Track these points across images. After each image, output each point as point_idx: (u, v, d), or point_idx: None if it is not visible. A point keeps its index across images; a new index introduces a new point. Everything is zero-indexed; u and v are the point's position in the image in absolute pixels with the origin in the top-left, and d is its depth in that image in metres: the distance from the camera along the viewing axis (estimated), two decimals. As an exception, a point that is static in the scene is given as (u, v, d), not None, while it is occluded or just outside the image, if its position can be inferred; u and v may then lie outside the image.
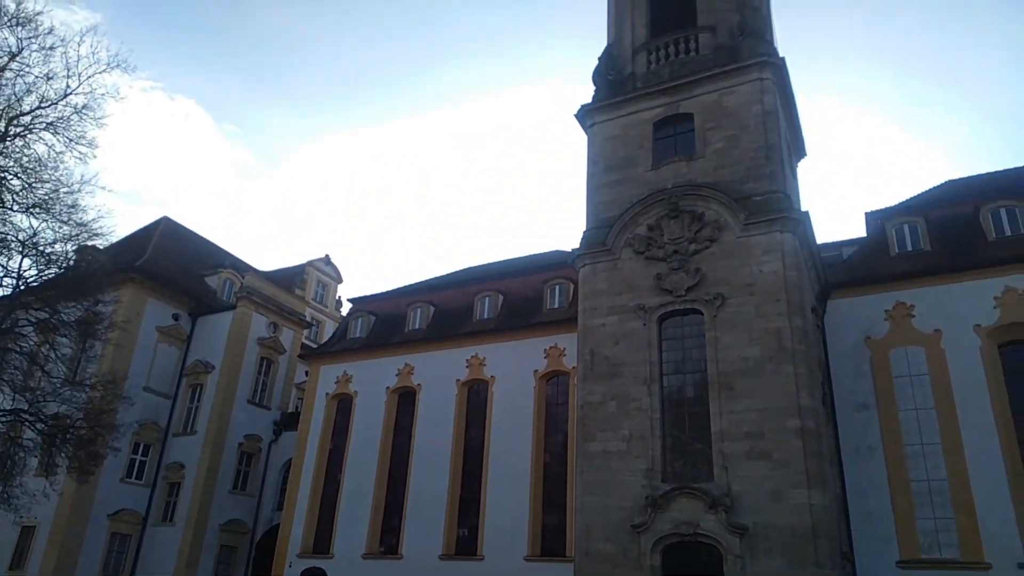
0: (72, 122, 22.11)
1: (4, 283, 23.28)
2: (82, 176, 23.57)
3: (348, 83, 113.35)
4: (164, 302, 36.89)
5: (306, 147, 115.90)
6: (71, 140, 22.21)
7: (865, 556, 21.98)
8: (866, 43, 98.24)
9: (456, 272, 39.07)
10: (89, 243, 24.90)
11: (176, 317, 37.50)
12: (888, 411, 23.46)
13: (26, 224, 22.49)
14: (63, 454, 24.97)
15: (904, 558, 21.61)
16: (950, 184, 30.21)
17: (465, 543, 28.23)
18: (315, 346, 40.76)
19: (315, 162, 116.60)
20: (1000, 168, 31.59)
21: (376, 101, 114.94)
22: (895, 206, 28.39)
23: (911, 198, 29.25)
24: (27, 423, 24.42)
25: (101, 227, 23.43)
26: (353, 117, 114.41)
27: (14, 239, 22.28)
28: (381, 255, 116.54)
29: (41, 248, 22.56)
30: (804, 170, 28.43)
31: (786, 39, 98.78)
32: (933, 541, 21.64)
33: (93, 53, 22.24)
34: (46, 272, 23.41)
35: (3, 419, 24.22)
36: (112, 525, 33.17)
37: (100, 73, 22.13)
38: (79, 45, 22.30)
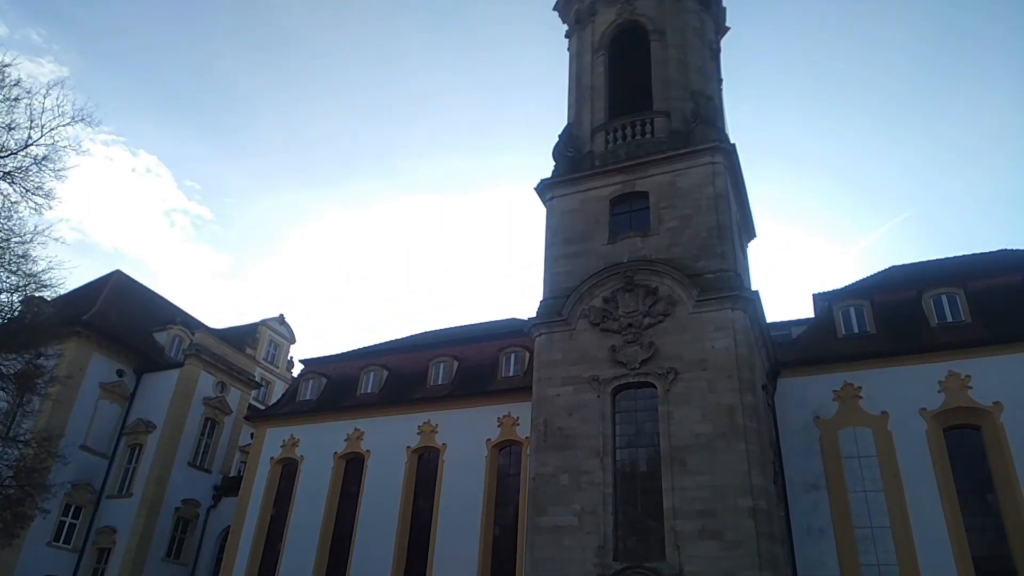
0: (31, 172, 21.86)
1: (-59, 332, 22.45)
2: (35, 226, 23.05)
3: (306, 148, 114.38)
4: (109, 357, 35.82)
5: (265, 207, 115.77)
6: (28, 190, 21.90)
7: (816, 641, 21.71)
8: (814, 130, 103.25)
9: (411, 336, 38.87)
10: (37, 294, 24.23)
11: (120, 373, 36.36)
12: (838, 492, 23.59)
13: (-29, 273, 21.84)
14: (-13, 514, 23.64)
15: (855, 643, 21.39)
16: (893, 270, 31.39)
17: (409, 620, 27.16)
18: (263, 407, 39.74)
19: (273, 222, 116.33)
20: (940, 256, 33.00)
21: (333, 166, 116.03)
22: (842, 288, 29.32)
23: (857, 281, 30.27)
24: (-50, 480, 23.16)
25: (51, 278, 22.90)
26: (311, 181, 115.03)
27: (-44, 287, 21.61)
28: (336, 317, 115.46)
29: (-16, 297, 21.90)
30: (754, 250, 29.33)
31: (736, 121, 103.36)
32: (884, 627, 21.50)
33: (58, 106, 22.17)
34: (-13, 322, 22.67)
35: (-76, 475, 22.93)
36: (32, 594, 31.17)
37: (64, 126, 22.01)
38: (44, 97, 22.14)
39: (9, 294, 22.84)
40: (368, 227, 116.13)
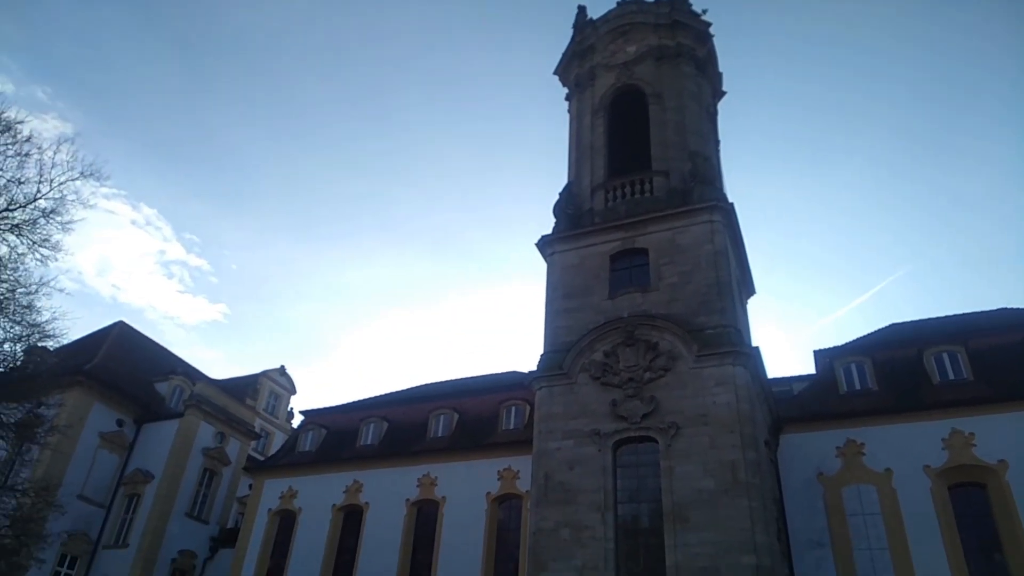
0: (38, 225, 22.26)
1: (-55, 380, 22.57)
2: (41, 277, 23.38)
3: (303, 202, 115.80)
4: (110, 407, 35.80)
5: (262, 260, 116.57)
6: (35, 242, 22.27)
7: None
8: (811, 190, 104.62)
9: (412, 388, 38.84)
10: (40, 344, 24.41)
11: (120, 423, 36.27)
12: (843, 550, 23.33)
13: (-24, 322, 22.08)
14: (-19, 565, 23.40)
15: None
16: (894, 327, 31.55)
17: None
18: (262, 458, 39.48)
19: (270, 275, 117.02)
20: (940, 314, 33.22)
21: (331, 220, 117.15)
22: (843, 346, 29.45)
23: (858, 338, 30.42)
24: (-54, 530, 22.98)
25: (54, 328, 23.15)
26: (308, 235, 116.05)
27: (-40, 337, 21.82)
28: (336, 369, 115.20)
29: (-12, 347, 22.08)
30: (753, 308, 29.57)
31: (734, 181, 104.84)
32: None
33: (68, 161, 22.68)
34: (-10, 371, 22.81)
35: (-80, 524, 22.78)
36: (22, 649, 30.49)
37: (72, 180, 22.52)
38: (55, 153, 22.68)
39: (12, 344, 23.02)
40: (366, 281, 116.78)
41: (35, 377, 25.13)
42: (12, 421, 23.92)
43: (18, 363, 24.39)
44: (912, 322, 31.87)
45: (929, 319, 31.60)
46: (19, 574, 25.06)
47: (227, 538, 35.78)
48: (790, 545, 23.76)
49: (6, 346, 22.91)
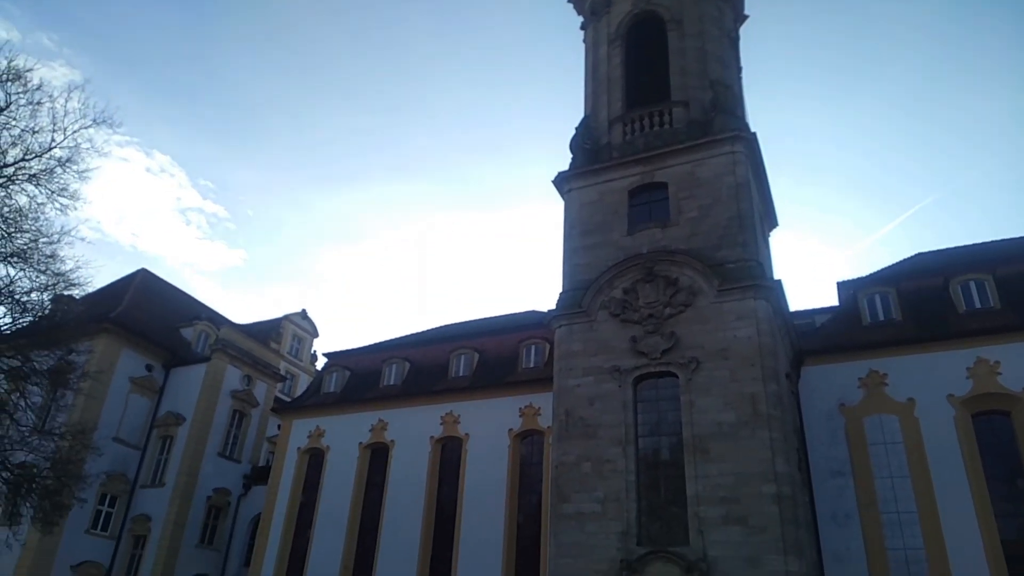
0: (55, 174, 22.30)
1: (-23, 330, 23.05)
2: (62, 227, 23.72)
3: (317, 145, 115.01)
4: (138, 353, 36.55)
5: (278, 204, 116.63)
6: (53, 192, 22.37)
7: (842, 626, 21.74)
8: (837, 116, 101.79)
9: (432, 330, 39.17)
10: (65, 293, 24.78)
11: (149, 368, 37.09)
12: (864, 479, 23.54)
13: (3, 272, 22.44)
14: (28, 504, 24.39)
15: (880, 629, 21.40)
16: (920, 257, 31.00)
17: (436, 605, 27.60)
18: (288, 400, 40.33)
19: (287, 219, 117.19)
20: (967, 242, 32.54)
21: (345, 162, 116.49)
22: (867, 276, 29.04)
23: (882, 269, 29.95)
24: (-8, 472, 23.86)
25: (78, 277, 23.39)
26: (322, 177, 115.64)
27: (-9, 287, 22.17)
28: (357, 311, 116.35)
29: (17, 297, 22.46)
30: (776, 240, 29.12)
31: (758, 111, 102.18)
32: (911, 610, 21.49)
33: (80, 108, 22.56)
34: (20, 320, 23.24)
35: (-33, 467, 23.65)
36: (74, 578, 32.10)
37: (86, 128, 22.43)
38: (66, 101, 22.55)
39: (40, 293, 23.35)
40: (384, 223, 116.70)
41: (63, 325, 25.62)
42: (45, 368, 24.46)
43: (46, 312, 24.84)
44: (939, 251, 31.26)
45: (956, 247, 30.97)
46: (63, 513, 26.07)
47: (259, 476, 36.92)
48: (810, 475, 24.00)
49: (34, 295, 23.26)
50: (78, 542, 32.46)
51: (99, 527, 33.76)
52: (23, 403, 24.59)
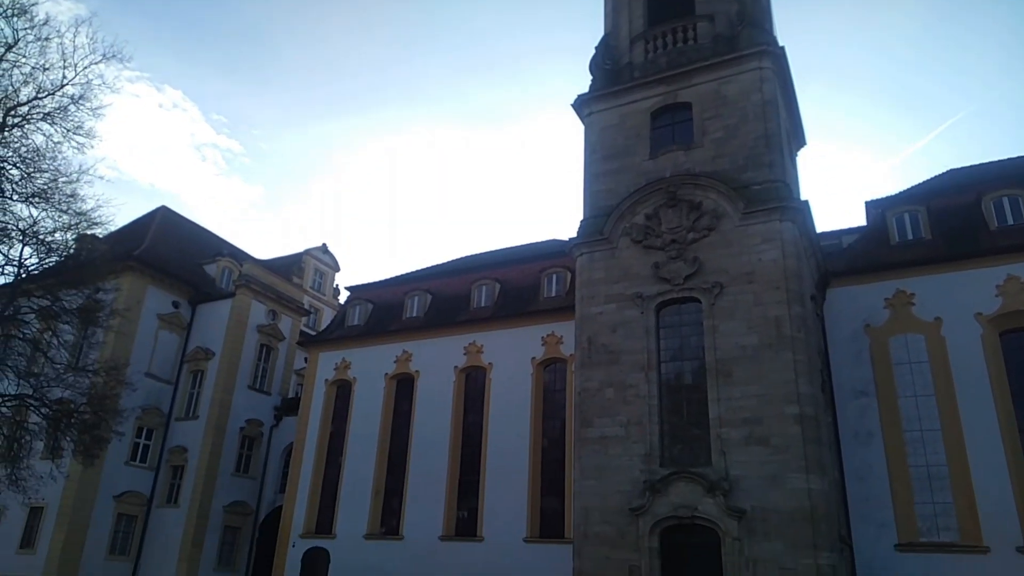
0: (69, 112, 22.25)
1: (5, 271, 23.46)
2: (80, 165, 23.68)
3: (332, 74, 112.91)
4: (163, 290, 37.04)
5: (293, 138, 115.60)
6: (69, 130, 22.35)
7: (863, 540, 22.18)
8: (865, 32, 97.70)
9: (453, 261, 39.16)
10: (88, 232, 24.99)
11: (176, 305, 37.66)
12: (887, 398, 23.60)
13: (26, 213, 22.68)
14: (68, 438, 25.25)
15: (902, 541, 21.81)
16: (952, 173, 30.14)
17: (465, 525, 28.56)
18: (313, 333, 40.91)
19: (302, 153, 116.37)
20: (1002, 157, 31.55)
21: (360, 95, 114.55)
22: (896, 195, 28.36)
23: (912, 187, 29.22)
24: (32, 408, 24.67)
25: (100, 216, 23.56)
26: (338, 111, 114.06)
27: (14, 228, 22.45)
28: (378, 244, 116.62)
29: (41, 237, 22.71)
30: (804, 159, 28.38)
31: (785, 25, 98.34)
32: (932, 525, 21.85)
33: (89, 43, 22.26)
34: (46, 260, 23.57)
35: (8, 404, 24.44)
36: (118, 506, 33.60)
37: (95, 64, 22.24)
38: (74, 36, 22.27)
39: (63, 233, 23.57)
40: (401, 154, 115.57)
41: (88, 264, 25.93)
42: (74, 307, 24.94)
43: (71, 251, 25.15)
44: (972, 167, 30.36)
45: (990, 163, 30.03)
46: (102, 446, 27.02)
47: (289, 407, 37.85)
48: (834, 395, 24.07)
49: (57, 235, 23.48)
50: (119, 473, 33.76)
51: (138, 459, 35.00)
52: (56, 341, 25.19)
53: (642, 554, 19.87)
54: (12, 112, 21.64)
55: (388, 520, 30.37)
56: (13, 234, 22.30)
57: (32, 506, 30.79)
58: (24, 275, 23.57)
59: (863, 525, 22.39)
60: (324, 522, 31.68)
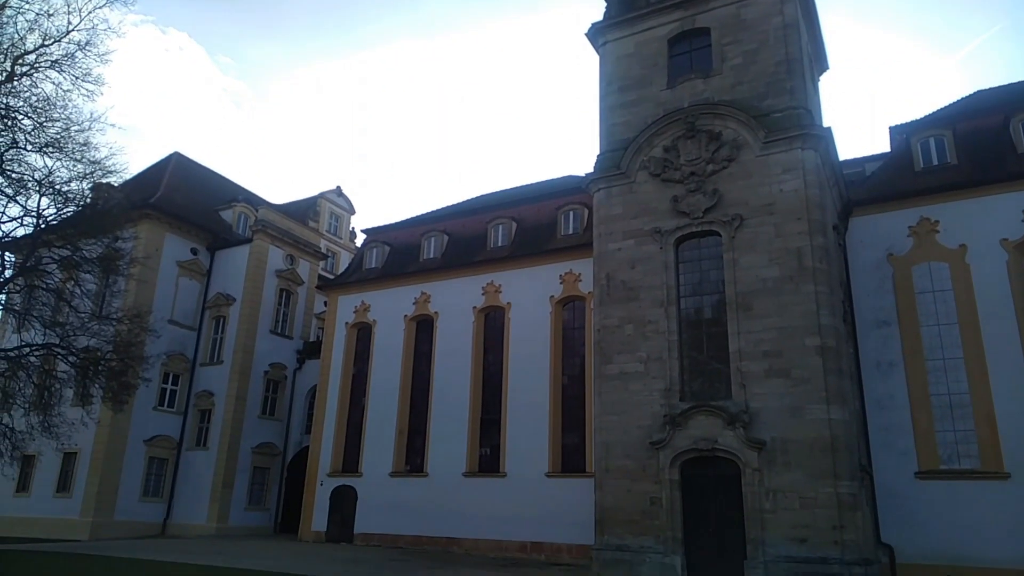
0: (77, 59, 22.19)
1: (25, 222, 23.68)
2: (91, 114, 23.75)
3: (338, 8, 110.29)
4: (181, 237, 37.22)
5: (302, 75, 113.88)
6: (77, 78, 22.34)
7: (883, 468, 22.35)
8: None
9: (469, 200, 38.88)
10: (103, 180, 25.07)
11: (194, 251, 37.89)
12: (910, 327, 23.41)
13: (41, 164, 22.81)
14: (97, 385, 25.86)
15: (923, 469, 21.95)
16: (979, 95, 29.16)
17: (488, 461, 29.12)
18: (332, 277, 41.12)
19: (314, 91, 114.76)
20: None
21: (374, 28, 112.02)
22: (921, 119, 27.53)
23: (938, 110, 28.32)
24: (60, 356, 25.20)
25: (114, 164, 23.67)
26: (348, 43, 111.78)
27: (30, 178, 22.57)
28: (392, 185, 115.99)
29: (57, 187, 22.86)
30: (826, 84, 27.51)
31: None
32: (952, 452, 21.92)
33: None
34: (64, 210, 23.76)
35: (36, 353, 24.98)
36: (149, 450, 34.55)
37: (100, 8, 22.04)
38: None
39: (79, 182, 23.69)
40: (415, 92, 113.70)
41: (106, 213, 26.11)
42: (94, 256, 25.21)
43: (88, 201, 25.27)
44: (999, 87, 29.32)
45: (1018, 83, 29.00)
46: (130, 392, 27.69)
47: (311, 350, 38.39)
48: (856, 326, 23.92)
49: (73, 185, 23.59)
50: (148, 418, 34.59)
51: (166, 404, 35.81)
52: (79, 291, 25.55)
53: (663, 486, 20.20)
54: (20, 61, 21.52)
55: (412, 458, 31.05)
56: (30, 185, 22.46)
57: (66, 452, 31.75)
58: (43, 226, 23.78)
59: (884, 454, 22.52)
60: (350, 461, 32.46)
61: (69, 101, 22.56)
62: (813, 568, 17.87)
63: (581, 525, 23.74)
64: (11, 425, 24.80)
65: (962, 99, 29.14)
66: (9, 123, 21.55)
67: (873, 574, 18.64)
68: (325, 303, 37.13)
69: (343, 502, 31.50)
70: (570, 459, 27.26)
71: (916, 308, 23.54)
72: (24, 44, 21.74)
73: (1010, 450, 21.04)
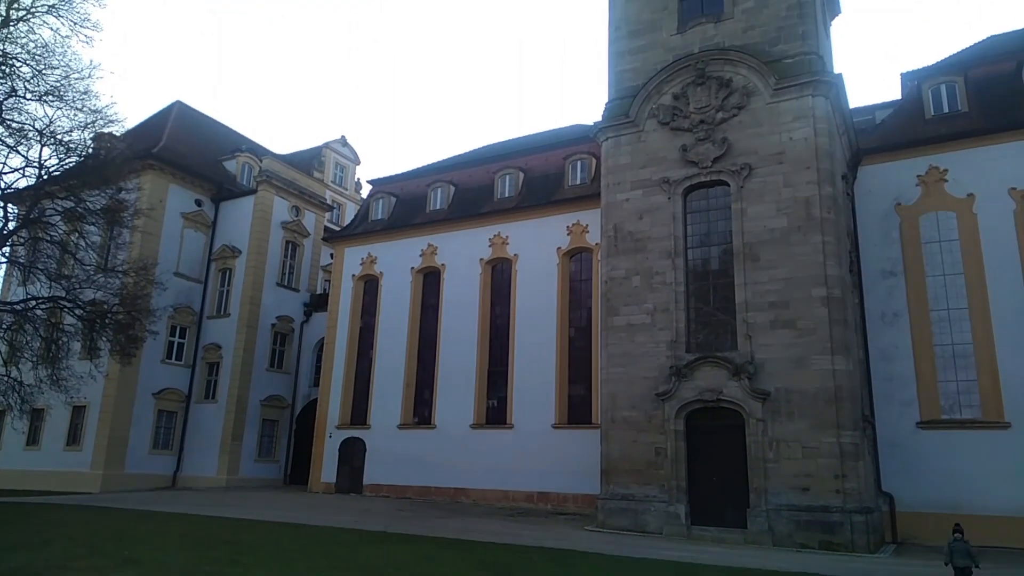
0: (74, 3, 21.64)
1: (27, 173, 23.53)
2: (91, 61, 23.32)
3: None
4: (185, 188, 36.92)
5: (304, 17, 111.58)
6: (75, 23, 21.90)
7: (886, 418, 22.55)
8: None
9: (476, 150, 38.46)
10: (105, 130, 24.80)
11: (199, 203, 37.65)
12: (915, 278, 23.35)
13: (41, 113, 22.58)
14: (104, 338, 26.02)
15: (924, 419, 22.16)
16: (992, 40, 28.48)
17: (495, 413, 29.45)
18: (338, 229, 40.96)
19: (318, 34, 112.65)
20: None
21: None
22: (933, 65, 26.93)
23: (950, 56, 27.71)
24: (66, 309, 25.32)
25: (115, 113, 23.53)
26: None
27: (31, 128, 22.34)
28: (398, 135, 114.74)
29: (59, 137, 22.67)
30: (838, 29, 26.86)
31: None
32: (954, 403, 22.08)
33: None
34: (66, 161, 23.60)
35: (43, 306, 25.09)
36: (158, 403, 34.84)
37: None
38: None
39: (80, 131, 23.47)
40: (419, 38, 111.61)
41: (109, 163, 25.89)
42: (98, 208, 25.11)
43: (90, 151, 25.06)
44: (1012, 32, 28.63)
45: (1033, 27, 28.24)
46: (137, 345, 27.81)
47: (318, 303, 38.48)
48: (861, 276, 23.86)
49: (75, 134, 23.40)
50: (156, 371, 34.80)
51: (173, 357, 36.01)
52: (83, 243, 25.52)
53: (668, 436, 20.45)
54: (15, 5, 21.07)
55: (420, 410, 31.39)
56: (31, 134, 22.26)
57: (75, 405, 32.02)
58: (46, 176, 23.64)
59: (886, 404, 22.70)
60: (359, 413, 32.83)
61: (67, 47, 22.29)
62: (814, 516, 18.20)
63: (587, 475, 24.14)
64: (20, 379, 24.97)
65: (975, 44, 28.50)
66: (7, 70, 21.26)
67: (873, 522, 18.98)
68: (331, 255, 37.06)
69: (352, 454, 31.98)
70: (576, 410, 27.55)
71: (922, 258, 23.44)
72: (18, -12, 21.28)
73: (1011, 400, 21.19)
